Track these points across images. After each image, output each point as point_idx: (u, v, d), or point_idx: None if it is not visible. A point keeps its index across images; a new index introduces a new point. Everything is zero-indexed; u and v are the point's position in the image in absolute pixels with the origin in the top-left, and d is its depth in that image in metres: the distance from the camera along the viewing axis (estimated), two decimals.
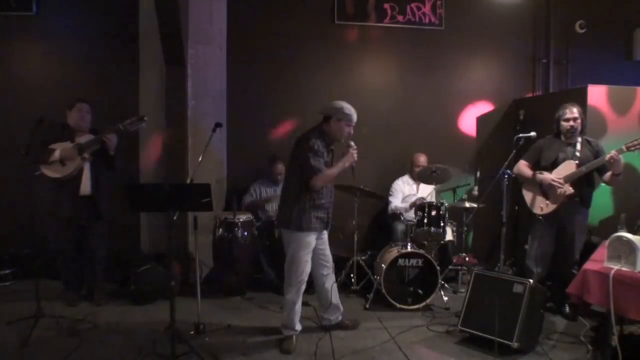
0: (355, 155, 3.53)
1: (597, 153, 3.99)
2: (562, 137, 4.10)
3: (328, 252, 3.78)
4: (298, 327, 3.61)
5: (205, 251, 4.80)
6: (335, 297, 3.80)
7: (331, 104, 3.54)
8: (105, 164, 4.26)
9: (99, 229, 4.33)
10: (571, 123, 4.02)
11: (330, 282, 3.79)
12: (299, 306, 3.61)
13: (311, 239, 3.54)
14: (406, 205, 5.23)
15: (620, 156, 3.70)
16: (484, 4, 6.01)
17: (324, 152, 3.47)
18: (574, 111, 4.04)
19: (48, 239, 4.35)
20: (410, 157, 5.46)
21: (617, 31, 6.18)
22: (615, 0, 6.13)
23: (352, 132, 3.54)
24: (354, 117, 3.51)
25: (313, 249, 3.59)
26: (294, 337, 3.57)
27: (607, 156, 3.73)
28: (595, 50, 6.10)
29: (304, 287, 3.60)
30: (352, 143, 3.54)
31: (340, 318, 3.89)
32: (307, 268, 3.58)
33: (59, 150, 4.08)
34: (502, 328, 3.29)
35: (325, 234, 3.73)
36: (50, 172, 4.07)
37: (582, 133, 4.09)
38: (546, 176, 4.02)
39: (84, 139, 4.17)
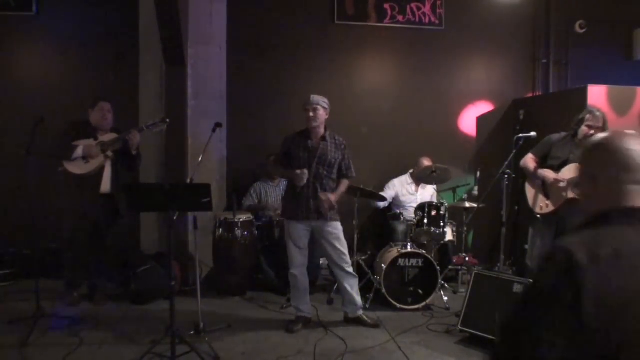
0: (300, 182, 3.73)
1: None
2: (577, 140, 3.95)
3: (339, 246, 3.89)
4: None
5: (205, 251, 4.80)
6: (347, 293, 3.94)
7: None
8: (127, 164, 4.31)
9: (117, 228, 4.36)
10: (592, 132, 3.82)
11: (342, 278, 3.95)
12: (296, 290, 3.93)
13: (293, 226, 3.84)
14: (385, 203, 5.36)
15: None
16: (484, 4, 6.01)
17: (292, 146, 3.85)
18: (599, 120, 3.82)
19: (63, 233, 4.36)
20: (410, 157, 5.46)
21: (617, 31, 6.17)
22: (615, 0, 6.13)
23: (311, 114, 3.79)
24: (308, 100, 3.79)
25: (320, 241, 3.89)
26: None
27: None
28: (595, 50, 6.09)
29: (293, 273, 3.89)
30: (306, 171, 3.74)
31: (358, 313, 3.97)
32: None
33: (82, 146, 4.12)
34: None
35: (329, 226, 3.83)
36: (72, 169, 4.11)
37: None
38: (549, 174, 3.99)
39: (106, 137, 4.24)
